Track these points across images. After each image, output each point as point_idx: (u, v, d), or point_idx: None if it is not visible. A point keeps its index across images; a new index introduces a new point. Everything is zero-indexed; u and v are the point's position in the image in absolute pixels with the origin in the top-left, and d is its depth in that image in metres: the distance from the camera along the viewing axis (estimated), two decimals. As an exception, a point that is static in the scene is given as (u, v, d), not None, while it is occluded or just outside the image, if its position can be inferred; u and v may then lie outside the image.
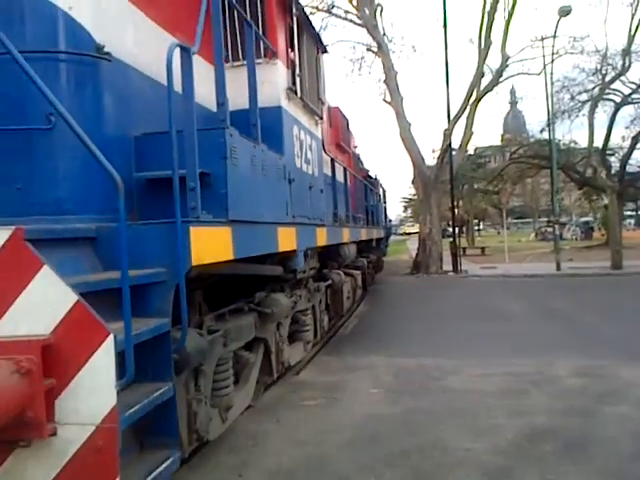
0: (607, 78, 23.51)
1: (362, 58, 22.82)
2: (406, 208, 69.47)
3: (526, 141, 27.94)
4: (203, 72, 3.72)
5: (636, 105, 25.33)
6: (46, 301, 2.04)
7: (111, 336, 2.04)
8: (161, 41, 3.44)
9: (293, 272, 5.23)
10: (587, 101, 24.83)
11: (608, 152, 24.95)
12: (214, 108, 3.47)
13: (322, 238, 6.14)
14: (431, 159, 23.69)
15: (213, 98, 3.45)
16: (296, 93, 5.42)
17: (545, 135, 27.53)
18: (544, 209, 55.05)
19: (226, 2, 4.17)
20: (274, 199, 4.46)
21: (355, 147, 12.42)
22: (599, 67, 23.58)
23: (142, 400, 2.37)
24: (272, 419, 4.77)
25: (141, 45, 3.41)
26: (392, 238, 28.20)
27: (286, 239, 4.59)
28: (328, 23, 21.02)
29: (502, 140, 46.46)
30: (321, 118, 6.61)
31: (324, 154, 7.01)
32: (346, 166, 9.39)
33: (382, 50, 19.12)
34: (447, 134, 18.90)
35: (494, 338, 8.20)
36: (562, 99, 26.06)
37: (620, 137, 26.76)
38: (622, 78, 22.99)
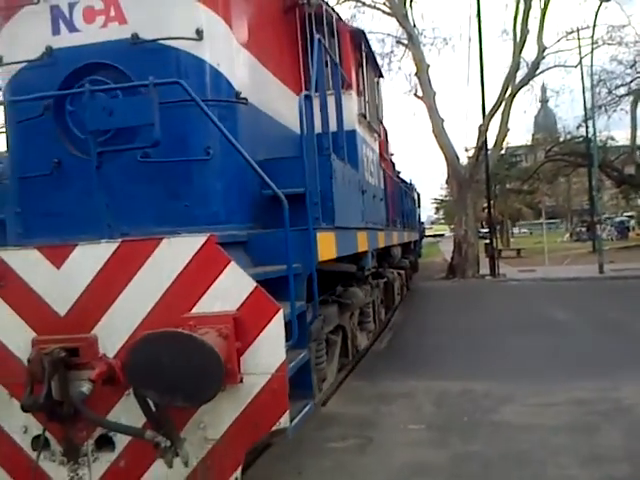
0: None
1: (392, 52, 22.01)
2: (438, 209, 68.10)
3: (562, 138, 26.28)
4: (290, 100, 4.90)
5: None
6: (233, 287, 2.90)
7: (281, 310, 2.87)
8: (275, 87, 4.80)
9: (362, 269, 5.99)
10: (625, 95, 23.13)
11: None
12: (295, 128, 4.17)
13: (382, 241, 7.14)
14: (464, 158, 23.24)
15: (294, 120, 4.14)
16: (365, 117, 6.48)
17: (581, 131, 25.61)
18: (575, 209, 53.17)
19: (319, 45, 4.91)
20: (355, 208, 5.41)
21: (392, 154, 13.00)
22: (638, 59, 21.85)
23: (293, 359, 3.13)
24: (293, 469, 4.10)
25: (263, 91, 4.50)
26: (424, 240, 27.26)
27: (362, 241, 5.49)
28: (356, 13, 19.55)
29: (533, 140, 45.80)
30: (380, 135, 7.71)
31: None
32: (390, 174, 9.90)
33: (413, 41, 18.17)
34: (482, 130, 17.78)
35: (545, 355, 7.36)
36: (599, 93, 22.01)
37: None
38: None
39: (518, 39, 20.04)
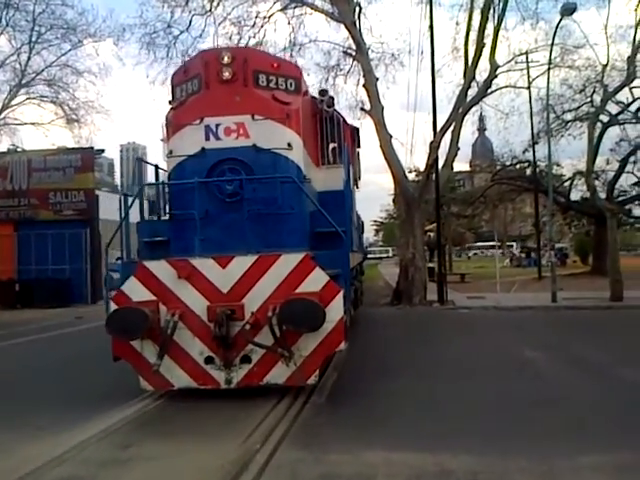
0: (600, 94, 21.81)
1: (337, 65, 19.17)
2: (377, 232, 67.97)
3: (508, 162, 25.71)
4: (314, 170, 8.75)
5: (622, 126, 23.38)
6: (317, 280, 6.55)
7: (342, 291, 6.66)
8: (312, 166, 8.60)
9: None
10: (572, 120, 22.89)
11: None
12: (318, 188, 8.62)
13: (354, 261, 10.29)
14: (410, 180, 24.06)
15: (315, 182, 8.55)
16: (355, 180, 11.58)
17: (527, 156, 25.30)
18: (510, 234, 53.95)
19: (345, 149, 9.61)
20: (353, 238, 10.16)
21: None
22: (587, 84, 21.66)
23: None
24: None
25: (308, 170, 8.15)
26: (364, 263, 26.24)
27: (353, 260, 9.66)
28: (303, 21, 18.61)
29: (470, 166, 45.61)
30: (358, 187, 12.39)
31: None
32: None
33: (361, 51, 16.99)
34: (434, 147, 17.42)
35: (532, 412, 6.23)
36: (547, 118, 23.84)
37: (604, 160, 24.96)
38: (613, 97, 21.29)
39: (470, 57, 20.29)
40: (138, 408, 6.85)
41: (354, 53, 20.37)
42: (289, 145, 7.58)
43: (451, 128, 20.06)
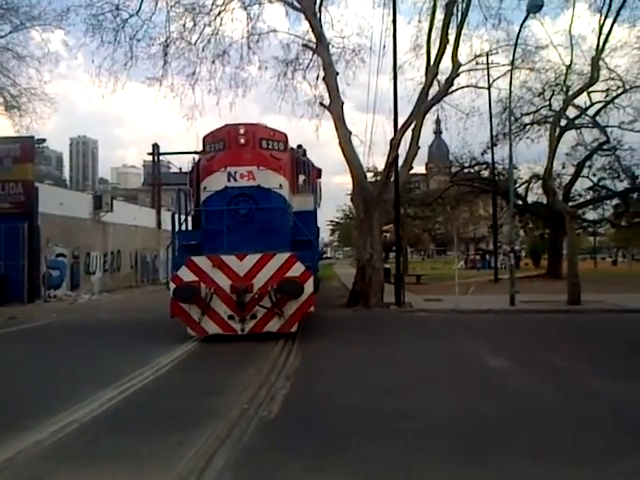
0: (560, 97, 22.05)
1: (296, 59, 18.55)
2: (333, 232, 67.94)
3: (467, 163, 25.54)
4: (294, 198, 14.49)
5: (578, 131, 23.71)
6: (298, 269, 11.96)
7: (312, 276, 12.32)
8: (295, 199, 14.49)
9: None
10: (530, 124, 23.01)
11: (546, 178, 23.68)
12: (295, 209, 14.04)
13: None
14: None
15: (295, 205, 14.28)
16: (318, 203, 16.67)
17: (486, 157, 25.52)
18: (462, 237, 54.61)
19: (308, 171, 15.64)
20: (319, 245, 18.92)
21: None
22: (547, 88, 21.83)
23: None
24: None
25: (292, 200, 14.12)
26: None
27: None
28: (262, 11, 18.15)
29: (427, 169, 46.09)
30: (319, 207, 17.40)
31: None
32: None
33: (322, 43, 16.62)
34: (394, 144, 17.72)
35: (502, 431, 5.69)
36: (506, 120, 26.55)
37: (560, 164, 25.36)
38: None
39: (433, 54, 20.33)
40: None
41: (314, 46, 20.05)
42: (280, 186, 13.11)
43: (412, 126, 20.85)
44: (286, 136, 14.54)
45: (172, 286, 12.25)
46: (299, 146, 15.74)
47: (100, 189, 78.36)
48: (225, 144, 13.35)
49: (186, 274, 12.23)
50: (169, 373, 9.10)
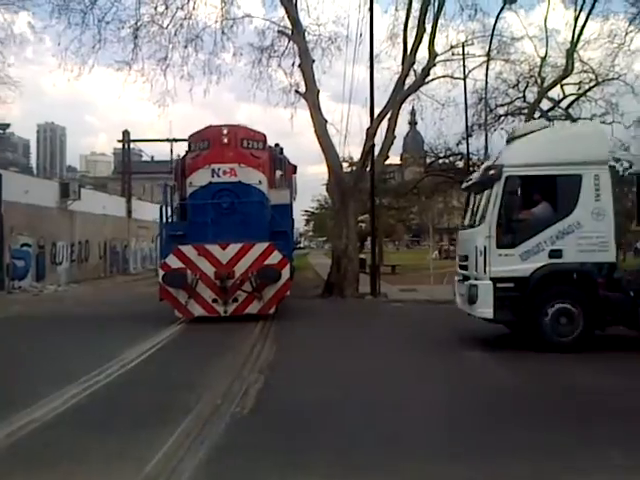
0: (535, 89, 22.15)
1: (271, 46, 18.26)
2: (308, 222, 67.61)
3: (442, 154, 25.46)
4: (271, 192, 15.57)
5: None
6: (276, 257, 13.42)
7: (289, 264, 14.09)
8: (273, 193, 15.71)
9: None
10: (504, 115, 23.07)
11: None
12: (272, 202, 15.47)
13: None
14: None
15: (273, 199, 15.83)
16: (294, 196, 18.23)
17: (461, 148, 25.54)
18: (437, 227, 54.96)
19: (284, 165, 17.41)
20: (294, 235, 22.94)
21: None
22: (521, 79, 21.79)
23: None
24: None
25: (270, 194, 15.47)
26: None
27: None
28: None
29: (401, 159, 45.62)
30: (295, 199, 19.59)
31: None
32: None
33: (298, 29, 16.31)
34: (371, 133, 17.15)
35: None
36: (481, 111, 24.87)
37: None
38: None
39: (410, 44, 20.32)
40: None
41: (290, 32, 19.65)
42: (260, 181, 14.61)
43: (388, 115, 20.62)
44: (265, 136, 16.18)
45: (161, 272, 13.82)
46: (276, 144, 17.11)
47: (68, 177, 76.60)
48: (209, 143, 14.84)
49: (174, 261, 13.68)
50: (137, 367, 8.67)
